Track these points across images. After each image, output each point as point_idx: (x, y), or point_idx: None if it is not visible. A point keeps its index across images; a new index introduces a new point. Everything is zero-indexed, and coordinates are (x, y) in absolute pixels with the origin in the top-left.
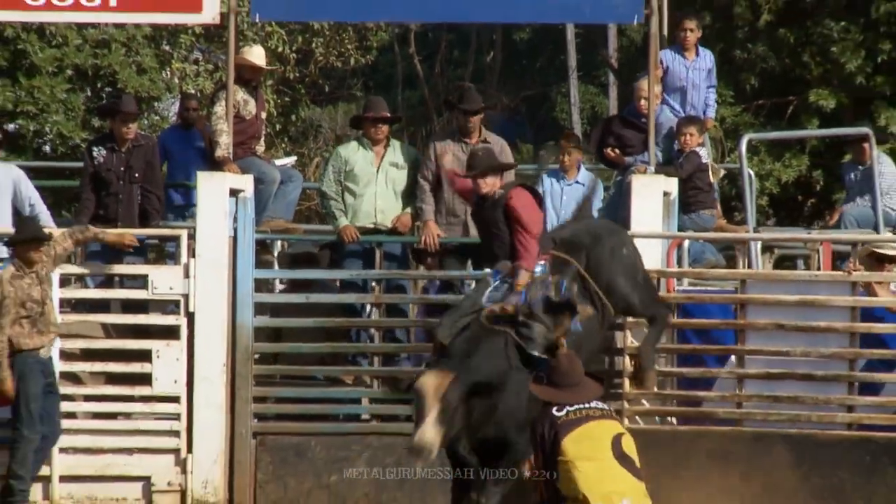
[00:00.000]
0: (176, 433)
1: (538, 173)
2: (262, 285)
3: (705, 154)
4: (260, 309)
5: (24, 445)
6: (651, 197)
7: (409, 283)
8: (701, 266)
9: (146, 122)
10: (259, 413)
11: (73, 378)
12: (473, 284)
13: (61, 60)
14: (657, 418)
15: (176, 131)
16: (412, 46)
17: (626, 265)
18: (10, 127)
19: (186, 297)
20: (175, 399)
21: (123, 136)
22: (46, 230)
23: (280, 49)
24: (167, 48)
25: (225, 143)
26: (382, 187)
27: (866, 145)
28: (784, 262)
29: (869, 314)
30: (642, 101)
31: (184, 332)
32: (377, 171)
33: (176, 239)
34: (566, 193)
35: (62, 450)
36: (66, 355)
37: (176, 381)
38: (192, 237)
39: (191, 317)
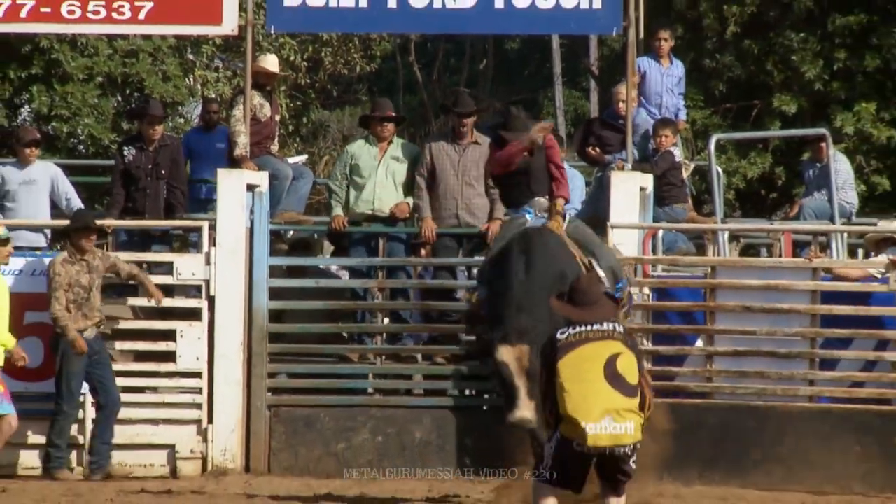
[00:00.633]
0: (198, 405)
1: None
2: (275, 271)
3: (678, 153)
4: (274, 293)
5: (63, 419)
6: (628, 191)
7: (410, 268)
8: (674, 254)
9: (171, 125)
10: (273, 387)
11: None
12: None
13: (92, 69)
14: None
15: (198, 132)
16: (412, 55)
17: None
18: (47, 129)
19: (208, 282)
20: (197, 375)
21: (151, 137)
22: (98, 222)
23: (292, 58)
24: (190, 57)
25: (243, 143)
26: (382, 178)
27: (823, 145)
28: (749, 250)
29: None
30: (621, 105)
31: (205, 314)
32: (378, 164)
33: (198, 229)
34: None
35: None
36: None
37: (198, 359)
38: (212, 228)
39: (211, 300)
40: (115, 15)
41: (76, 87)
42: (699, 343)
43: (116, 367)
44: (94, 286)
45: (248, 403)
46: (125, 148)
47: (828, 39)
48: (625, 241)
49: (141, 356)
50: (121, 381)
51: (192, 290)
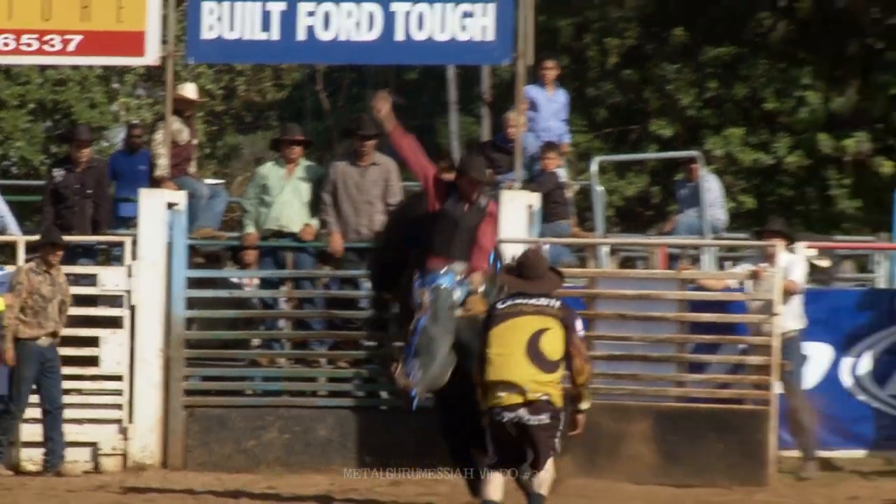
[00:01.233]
0: (119, 406)
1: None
2: (192, 282)
3: (563, 173)
4: (190, 302)
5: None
6: (517, 209)
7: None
8: (558, 266)
9: (97, 148)
10: (189, 389)
11: None
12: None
13: (24, 96)
14: None
15: (122, 155)
16: (319, 84)
17: None
18: None
19: (129, 292)
20: (118, 378)
21: (79, 159)
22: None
23: (209, 86)
24: (115, 85)
25: (163, 165)
26: (290, 197)
27: (695, 166)
28: (627, 262)
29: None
30: (510, 130)
31: (126, 322)
32: (286, 184)
33: (121, 244)
34: None
35: (24, 420)
36: None
37: (119, 363)
38: (134, 243)
39: (133, 309)
40: (46, 47)
41: (9, 113)
42: None
43: None
44: (55, 299)
45: (166, 404)
46: (55, 169)
47: (700, 70)
48: (513, 254)
49: (67, 361)
50: None
51: (115, 300)
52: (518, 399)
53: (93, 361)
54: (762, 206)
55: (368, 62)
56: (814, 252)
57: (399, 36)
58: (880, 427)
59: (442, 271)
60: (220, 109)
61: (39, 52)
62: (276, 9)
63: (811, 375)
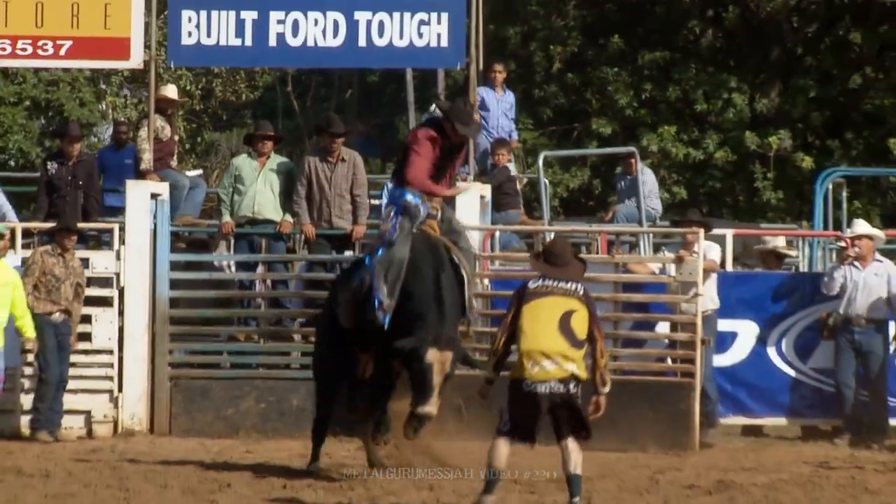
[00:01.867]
0: (110, 378)
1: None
2: (175, 265)
3: (512, 167)
4: (173, 284)
5: (43, 386)
6: (471, 199)
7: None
8: (508, 251)
9: (87, 143)
10: (173, 363)
11: None
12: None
13: (20, 94)
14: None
15: (110, 150)
16: (289, 86)
17: None
18: None
19: (118, 275)
20: (109, 352)
21: (70, 154)
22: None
23: (188, 87)
24: (103, 86)
25: (147, 159)
26: (262, 187)
27: (633, 161)
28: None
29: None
30: None
31: (116, 301)
32: (259, 175)
33: (110, 231)
34: None
35: (23, 391)
36: None
37: (110, 339)
38: (122, 229)
39: (121, 290)
40: (39, 51)
41: (7, 109)
42: None
43: None
44: (68, 280)
45: (153, 376)
46: (48, 162)
47: (637, 73)
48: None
49: None
50: None
51: (105, 282)
52: (551, 374)
53: (86, 337)
54: (693, 197)
55: (334, 66)
56: (782, 241)
57: (362, 42)
58: (802, 397)
59: (412, 190)
60: (199, 108)
61: (34, 56)
62: (250, 17)
63: (741, 350)
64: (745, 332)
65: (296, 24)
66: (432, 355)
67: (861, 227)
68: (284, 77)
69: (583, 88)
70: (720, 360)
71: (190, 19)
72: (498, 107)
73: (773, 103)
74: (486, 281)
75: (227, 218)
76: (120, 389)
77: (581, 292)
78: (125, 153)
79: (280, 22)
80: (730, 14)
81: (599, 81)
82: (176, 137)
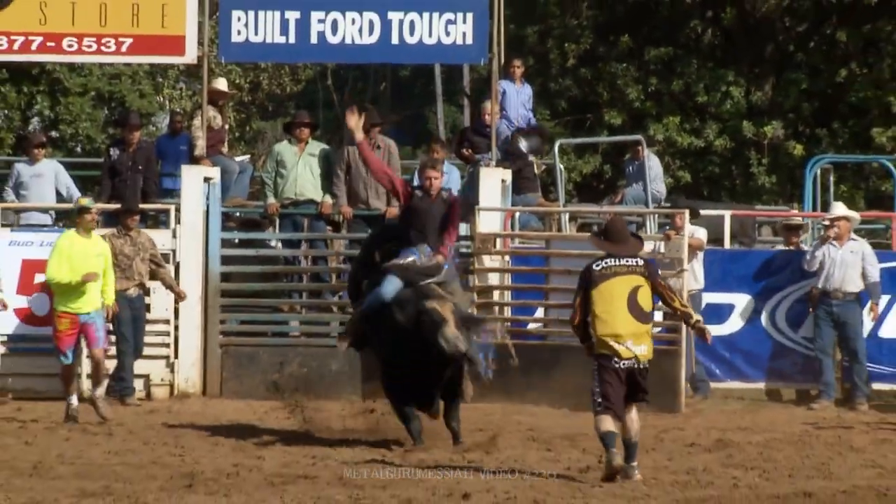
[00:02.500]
0: (167, 345)
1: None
2: (226, 243)
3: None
4: (224, 260)
5: (121, 356)
6: (493, 183)
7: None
8: (526, 230)
9: (146, 131)
10: (224, 331)
11: None
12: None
13: (86, 85)
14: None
15: (166, 138)
16: (329, 79)
17: None
18: (54, 133)
19: (174, 251)
20: (167, 321)
21: (131, 141)
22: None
23: (238, 80)
24: (160, 79)
25: (200, 146)
26: (302, 170)
27: (640, 148)
28: (584, 227)
29: None
30: (487, 117)
31: (172, 275)
32: (299, 160)
33: (167, 211)
34: None
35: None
36: None
37: (167, 309)
38: (178, 210)
39: (177, 265)
40: (103, 48)
41: (74, 99)
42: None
43: None
44: (138, 257)
45: (205, 344)
46: (111, 149)
47: (644, 68)
48: (490, 220)
49: None
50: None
51: (163, 258)
52: (629, 352)
53: (146, 308)
54: (695, 181)
55: (369, 61)
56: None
57: (394, 40)
58: (793, 363)
59: (413, 248)
60: (247, 100)
61: (98, 52)
62: (293, 17)
63: (737, 321)
64: (741, 304)
65: (335, 23)
66: (437, 306)
67: (839, 209)
68: (325, 71)
69: (594, 82)
70: (718, 331)
71: (239, 19)
72: (517, 98)
73: (767, 95)
74: (506, 257)
75: (271, 199)
76: (176, 356)
77: (641, 265)
78: (180, 140)
79: (321, 21)
80: (728, 14)
81: (610, 76)
82: (226, 126)
